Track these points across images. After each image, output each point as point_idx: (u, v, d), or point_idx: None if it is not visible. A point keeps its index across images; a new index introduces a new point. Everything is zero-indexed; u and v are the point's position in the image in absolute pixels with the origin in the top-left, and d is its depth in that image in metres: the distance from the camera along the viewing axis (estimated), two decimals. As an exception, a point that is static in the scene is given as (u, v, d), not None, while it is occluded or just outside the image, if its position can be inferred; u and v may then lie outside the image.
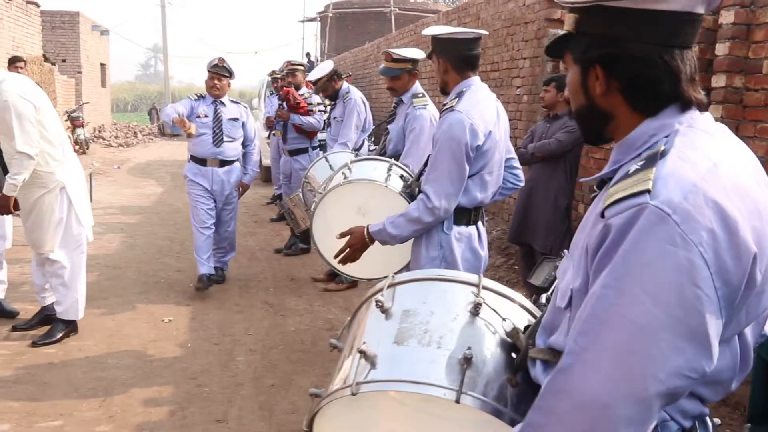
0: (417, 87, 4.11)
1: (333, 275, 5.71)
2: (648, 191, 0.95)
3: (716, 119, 3.49)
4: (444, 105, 2.63)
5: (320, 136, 6.59)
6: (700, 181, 0.95)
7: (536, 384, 1.19)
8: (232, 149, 5.23)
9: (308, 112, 6.12)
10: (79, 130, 14.33)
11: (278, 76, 7.41)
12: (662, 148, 1.02)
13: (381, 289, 1.46)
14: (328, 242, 2.87)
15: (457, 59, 2.61)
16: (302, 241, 6.63)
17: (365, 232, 2.61)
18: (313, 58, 21.84)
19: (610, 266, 0.96)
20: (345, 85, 5.61)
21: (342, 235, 2.64)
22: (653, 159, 1.00)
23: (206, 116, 5.10)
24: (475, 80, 2.65)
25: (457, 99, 2.55)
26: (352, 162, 2.94)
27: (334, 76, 5.49)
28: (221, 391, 3.65)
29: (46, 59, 14.64)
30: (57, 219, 4.06)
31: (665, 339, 0.91)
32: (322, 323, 4.79)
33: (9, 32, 12.45)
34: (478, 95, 2.59)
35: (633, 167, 1.03)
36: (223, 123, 5.15)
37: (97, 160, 14.41)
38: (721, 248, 0.92)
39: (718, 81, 3.97)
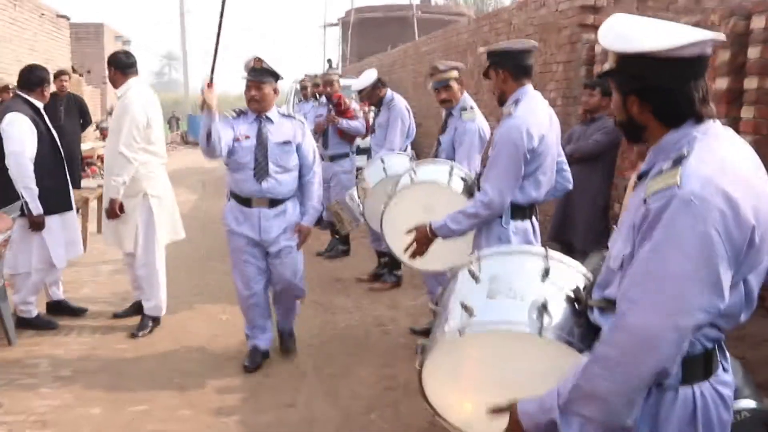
0: (465, 100, 4.29)
1: (377, 276, 5.97)
2: (677, 185, 1.33)
3: (749, 119, 3.72)
4: (502, 112, 2.88)
5: (358, 141, 6.83)
6: (713, 176, 1.33)
7: (594, 325, 1.59)
8: (284, 183, 3.83)
9: (354, 117, 6.37)
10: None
11: (315, 82, 7.67)
12: (685, 151, 1.39)
13: (471, 262, 1.86)
14: (396, 238, 3.14)
15: (515, 69, 2.87)
16: (342, 243, 6.88)
17: (428, 228, 2.90)
18: (334, 64, 22.16)
19: (652, 238, 1.35)
20: (389, 92, 5.86)
21: (409, 232, 2.92)
22: (679, 160, 1.38)
23: (247, 137, 3.76)
24: (529, 88, 2.91)
25: (514, 105, 2.81)
26: (416, 165, 3.21)
27: (378, 84, 5.76)
28: (287, 379, 3.93)
29: (74, 71, 15.10)
30: (136, 222, 4.45)
31: (693, 286, 1.32)
32: (371, 320, 5.05)
33: (43, 45, 12.91)
34: (533, 102, 2.85)
35: (665, 166, 1.41)
36: (269, 148, 3.75)
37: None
38: (729, 222, 1.31)
39: (750, 83, 4.17)
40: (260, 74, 3.72)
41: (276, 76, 3.78)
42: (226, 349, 4.39)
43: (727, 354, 1.55)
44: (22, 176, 4.19)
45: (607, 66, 1.55)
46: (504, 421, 1.59)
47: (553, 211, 5.07)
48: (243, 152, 3.75)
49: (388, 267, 5.87)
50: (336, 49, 26.24)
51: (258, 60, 3.71)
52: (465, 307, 1.66)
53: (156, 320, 4.70)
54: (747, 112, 4.21)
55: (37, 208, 4.25)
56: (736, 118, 4.30)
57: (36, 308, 4.64)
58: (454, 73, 4.21)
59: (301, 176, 3.94)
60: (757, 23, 4.12)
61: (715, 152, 1.38)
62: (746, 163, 1.43)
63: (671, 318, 1.32)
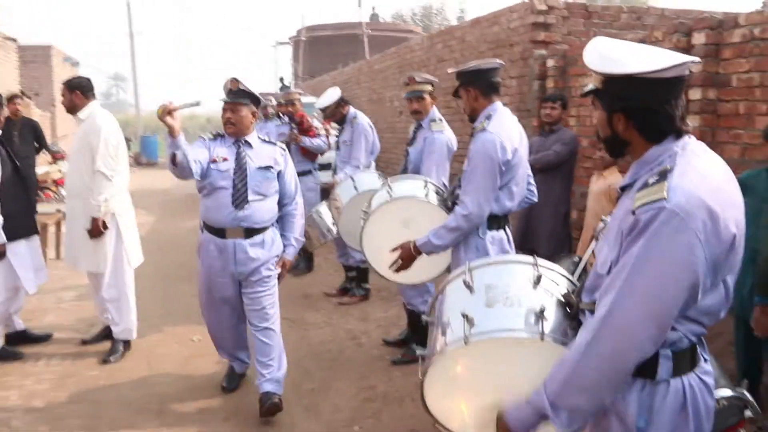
0: (435, 113, 4.44)
1: (345, 290, 6.04)
2: (664, 198, 1.45)
3: (694, 128, 3.99)
4: (474, 127, 3.02)
5: (320, 158, 6.91)
6: (696, 190, 1.45)
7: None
8: (263, 211, 3.56)
9: (316, 135, 6.46)
10: (60, 163, 14.39)
11: (278, 101, 7.73)
12: (668, 166, 1.50)
13: (463, 272, 1.93)
14: (376, 254, 3.24)
15: (484, 86, 3.02)
16: (306, 260, 6.92)
17: (412, 246, 3.00)
18: (287, 82, 22.19)
19: (639, 244, 1.46)
20: (352, 110, 5.97)
21: (394, 251, 3.02)
22: (664, 174, 1.50)
23: (225, 159, 3.51)
24: (499, 105, 3.06)
25: (487, 121, 2.95)
26: (391, 181, 3.32)
27: (341, 101, 5.86)
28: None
29: (23, 94, 14.70)
30: (105, 243, 4.43)
31: (672, 288, 1.45)
32: (344, 333, 5.11)
33: (-9, 69, 12.55)
34: (503, 118, 3.00)
35: (651, 179, 1.52)
36: (248, 174, 3.51)
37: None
38: (709, 232, 1.45)
39: (695, 94, 4.46)
40: (237, 96, 3.50)
41: (255, 99, 3.57)
42: (201, 370, 4.38)
43: (706, 346, 1.69)
44: None
45: (591, 85, 1.65)
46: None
47: (517, 220, 5.25)
48: (219, 176, 3.49)
49: (355, 281, 5.95)
50: (288, 67, 26.23)
51: (234, 81, 3.49)
52: (466, 317, 1.74)
53: (127, 344, 4.65)
54: (693, 121, 4.49)
55: (1, 236, 4.16)
56: (684, 128, 4.57)
57: (1, 339, 4.52)
58: (429, 87, 4.37)
59: (281, 206, 3.70)
60: (698, 39, 4.42)
61: (695, 167, 1.51)
62: (722, 176, 1.56)
63: (651, 319, 1.46)
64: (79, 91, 4.41)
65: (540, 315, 1.71)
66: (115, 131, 4.42)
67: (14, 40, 14.47)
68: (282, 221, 3.75)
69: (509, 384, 1.78)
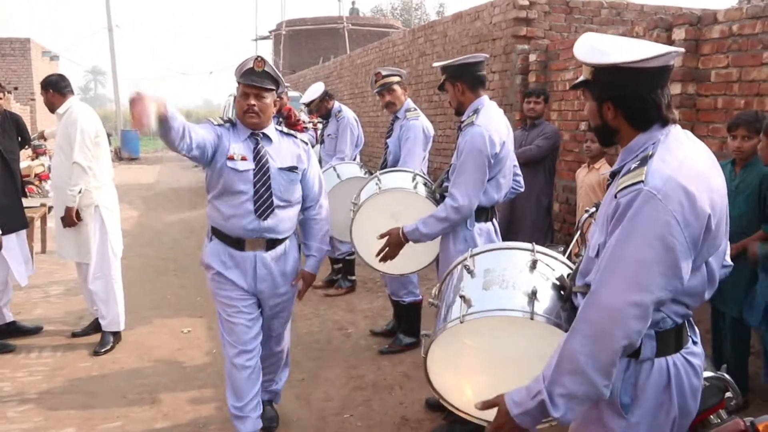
0: (409, 103, 4.60)
1: (331, 282, 6.12)
2: (642, 181, 1.53)
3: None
4: (462, 121, 3.11)
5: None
6: (673, 173, 1.53)
7: (578, 308, 1.75)
8: (287, 219, 3.04)
9: (303, 129, 6.52)
10: (42, 158, 14.27)
11: None
12: (650, 152, 1.59)
13: (465, 258, 2.06)
14: (364, 244, 3.32)
15: (471, 80, 3.11)
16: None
17: (400, 233, 3.08)
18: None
19: (621, 227, 1.54)
20: (336, 104, 6.05)
21: (381, 236, 3.10)
22: (645, 160, 1.58)
23: (244, 159, 2.92)
24: (485, 98, 3.15)
25: (474, 115, 3.04)
26: (381, 174, 3.41)
27: (326, 96, 5.94)
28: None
29: (2, 88, 14.53)
30: (89, 234, 4.49)
31: (654, 268, 1.51)
32: (331, 324, 5.19)
33: (-33, 62, 12.40)
34: (491, 111, 3.09)
35: (633, 165, 1.61)
36: (271, 176, 2.95)
37: (61, 186, 14.37)
38: (686, 212, 1.51)
39: (674, 89, 4.60)
40: (263, 78, 2.86)
41: (279, 85, 2.95)
42: (193, 361, 4.44)
43: (696, 329, 1.75)
44: None
45: (582, 77, 1.73)
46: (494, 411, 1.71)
47: (500, 212, 5.37)
48: (237, 177, 2.89)
49: (342, 273, 6.03)
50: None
51: (260, 60, 2.87)
52: (463, 298, 1.86)
53: (117, 336, 4.70)
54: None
55: None
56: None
57: (-9, 332, 4.55)
58: (396, 78, 4.51)
59: (303, 210, 3.16)
60: (678, 35, 4.55)
61: (675, 153, 1.59)
62: (702, 161, 1.63)
63: (633, 296, 1.50)
64: (52, 90, 4.49)
65: (533, 296, 1.81)
66: (93, 123, 4.46)
67: (-9, 33, 14.28)
68: (303, 227, 3.20)
69: (506, 362, 1.91)
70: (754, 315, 3.28)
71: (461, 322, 1.83)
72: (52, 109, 4.52)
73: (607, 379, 1.56)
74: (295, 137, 3.12)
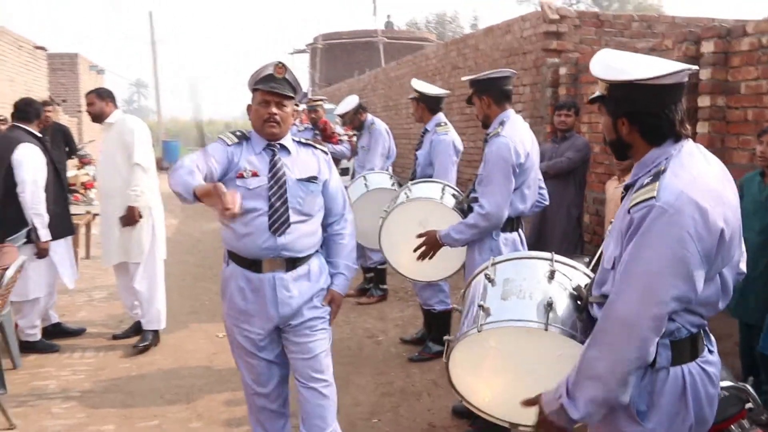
0: (440, 117, 4.66)
1: (363, 290, 6.24)
2: (654, 197, 1.58)
3: (704, 134, 4.17)
4: (488, 133, 3.21)
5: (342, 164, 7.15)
6: (685, 188, 1.57)
7: (595, 319, 1.81)
8: (307, 235, 2.76)
9: (338, 142, 6.69)
10: (88, 168, 14.80)
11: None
12: (663, 167, 1.64)
13: (486, 267, 2.15)
14: (392, 251, 3.45)
15: (497, 94, 3.21)
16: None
17: (437, 235, 3.23)
18: (305, 89, 22.47)
19: (635, 241, 1.59)
20: (369, 116, 6.21)
21: (420, 236, 3.26)
22: (658, 175, 1.63)
23: (255, 174, 2.69)
24: (511, 112, 3.25)
25: (501, 127, 3.15)
26: (411, 184, 3.54)
27: (359, 109, 6.10)
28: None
29: (52, 101, 15.13)
30: (143, 233, 4.74)
31: (668, 280, 1.56)
32: (362, 332, 5.30)
33: (21, 77, 12.99)
34: (516, 124, 3.20)
35: (646, 180, 1.66)
36: (288, 188, 2.71)
37: (104, 196, 14.90)
38: (699, 226, 1.56)
39: (703, 101, 4.61)
40: (282, 86, 2.66)
41: (297, 92, 2.76)
42: (227, 364, 4.57)
43: (713, 339, 1.78)
44: (35, 204, 4.41)
45: (597, 92, 1.79)
46: (531, 410, 1.79)
47: (531, 222, 5.42)
48: (248, 195, 2.63)
49: (374, 282, 6.15)
50: (305, 74, 26.59)
51: (281, 67, 2.67)
52: (482, 308, 1.95)
53: (156, 335, 4.89)
54: (702, 128, 4.64)
55: (46, 234, 4.45)
56: (693, 134, 4.72)
57: (40, 332, 4.79)
58: (416, 95, 4.66)
59: (326, 225, 2.88)
60: (707, 47, 4.57)
61: (687, 168, 1.63)
62: (715, 176, 1.67)
63: (647, 307, 1.56)
64: (109, 100, 4.74)
65: (548, 307, 1.88)
66: (146, 130, 4.77)
67: (44, 49, 14.92)
68: (327, 244, 2.90)
69: (525, 368, 1.98)
70: None
71: (479, 331, 1.93)
72: (101, 118, 4.73)
73: (624, 386, 1.62)
74: (314, 147, 2.90)
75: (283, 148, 2.76)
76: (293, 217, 2.68)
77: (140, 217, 4.65)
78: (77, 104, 19.35)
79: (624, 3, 35.16)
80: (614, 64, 1.72)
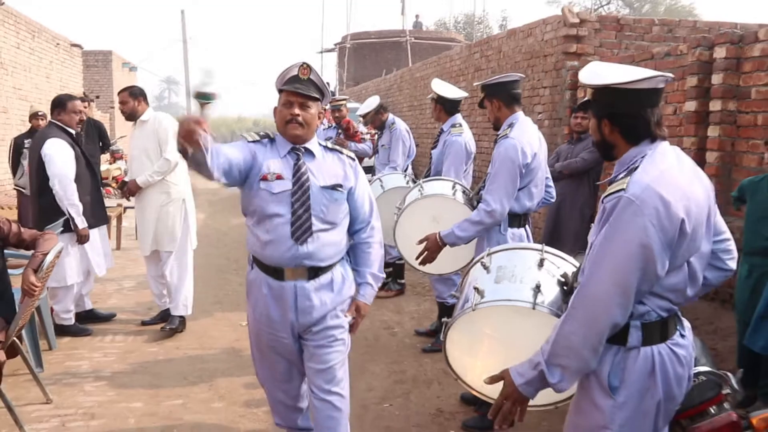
0: (456, 118, 4.79)
1: (382, 284, 6.41)
2: (624, 189, 1.77)
3: (714, 137, 4.27)
4: (498, 135, 3.38)
5: (364, 162, 7.35)
6: (652, 183, 1.75)
7: None
8: (331, 244, 2.68)
9: (361, 140, 6.90)
10: (119, 162, 15.26)
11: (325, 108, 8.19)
12: (637, 164, 1.82)
13: (483, 257, 2.35)
14: (408, 246, 3.63)
15: (506, 97, 3.38)
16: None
17: (438, 237, 3.37)
18: (332, 88, 22.74)
19: (605, 228, 1.79)
20: (390, 116, 6.40)
21: (420, 242, 3.40)
22: (631, 171, 1.81)
23: (280, 178, 2.62)
24: (520, 114, 3.41)
25: (509, 128, 3.31)
26: (424, 182, 3.72)
27: (380, 109, 6.29)
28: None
29: (86, 96, 15.63)
30: (177, 223, 5.04)
31: (633, 263, 1.75)
32: (379, 324, 5.50)
33: (58, 74, 13.47)
34: (525, 126, 3.36)
35: (621, 175, 1.86)
36: (311, 194, 2.63)
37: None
38: (662, 216, 1.73)
39: (715, 106, 4.71)
40: (307, 86, 2.60)
41: (324, 95, 2.69)
42: (248, 350, 4.61)
43: (686, 324, 1.98)
44: (67, 195, 4.67)
45: (587, 97, 2.03)
46: (499, 386, 1.99)
47: (545, 220, 5.56)
48: (272, 199, 2.60)
49: (392, 276, 6.33)
50: (333, 73, 26.87)
51: (306, 67, 2.60)
52: (477, 290, 2.15)
53: (182, 321, 5.16)
54: (713, 131, 4.74)
55: (82, 222, 4.73)
56: (704, 137, 4.82)
57: (74, 317, 5.07)
58: (434, 95, 4.79)
59: (352, 233, 2.80)
60: (719, 53, 4.67)
61: (657, 164, 1.81)
62: (683, 173, 1.85)
63: (615, 287, 1.76)
64: (141, 98, 4.99)
65: (536, 289, 2.08)
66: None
67: (80, 47, 15.43)
68: (354, 252, 2.82)
69: (515, 346, 2.17)
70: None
71: (473, 310, 2.12)
72: (134, 116, 4.99)
73: (595, 355, 1.83)
74: (341, 152, 2.79)
75: (309, 152, 2.68)
76: (316, 225, 2.61)
77: (139, 188, 4.93)
78: (110, 100, 19.94)
79: (656, 4, 34.72)
80: (598, 72, 1.92)
